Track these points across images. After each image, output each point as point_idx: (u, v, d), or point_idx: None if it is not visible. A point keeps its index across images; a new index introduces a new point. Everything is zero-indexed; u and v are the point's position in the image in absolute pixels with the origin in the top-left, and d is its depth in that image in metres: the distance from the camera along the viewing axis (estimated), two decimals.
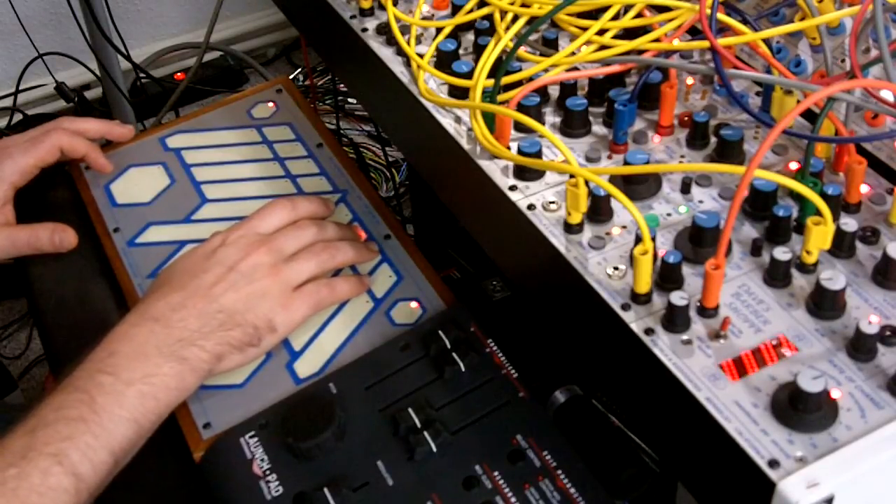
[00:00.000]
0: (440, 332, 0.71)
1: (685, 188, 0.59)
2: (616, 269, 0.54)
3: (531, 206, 0.59)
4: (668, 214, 0.57)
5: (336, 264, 0.78)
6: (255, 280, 0.73)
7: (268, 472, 0.66)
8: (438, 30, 0.72)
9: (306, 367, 0.74)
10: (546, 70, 0.65)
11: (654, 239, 0.52)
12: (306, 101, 0.98)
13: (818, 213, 0.50)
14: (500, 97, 0.63)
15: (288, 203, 0.80)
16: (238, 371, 0.74)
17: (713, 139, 0.62)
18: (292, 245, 0.76)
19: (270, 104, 0.98)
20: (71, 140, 0.89)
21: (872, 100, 0.56)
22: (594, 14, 0.67)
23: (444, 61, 0.68)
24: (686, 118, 0.63)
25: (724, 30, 0.62)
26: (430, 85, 0.69)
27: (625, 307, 0.52)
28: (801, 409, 0.46)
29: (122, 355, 0.67)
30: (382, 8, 0.75)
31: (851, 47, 0.57)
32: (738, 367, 0.49)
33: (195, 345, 0.69)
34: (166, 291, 0.72)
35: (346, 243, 0.79)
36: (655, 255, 0.52)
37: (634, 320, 0.51)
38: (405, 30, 0.72)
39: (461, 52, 0.70)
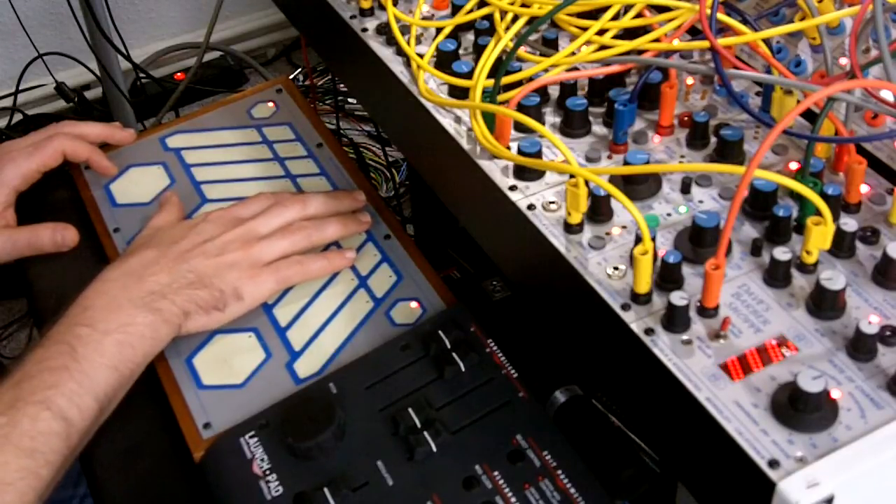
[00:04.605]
0: (440, 332, 0.71)
1: (685, 188, 0.59)
2: (616, 269, 0.54)
3: (531, 206, 0.59)
4: (668, 214, 0.57)
5: (313, 243, 0.80)
6: (226, 252, 0.76)
7: (268, 472, 0.66)
8: (438, 30, 0.72)
9: (306, 367, 0.74)
10: (546, 70, 0.65)
11: (654, 239, 0.52)
12: (306, 101, 0.98)
13: (818, 213, 0.50)
14: (500, 97, 0.63)
15: (271, 195, 0.83)
16: (238, 371, 0.74)
17: (713, 139, 0.62)
18: (267, 226, 0.79)
19: (270, 104, 0.98)
20: (73, 144, 0.89)
21: (872, 100, 0.56)
22: (594, 14, 0.67)
23: (444, 61, 0.68)
24: (686, 118, 0.63)
25: (724, 30, 0.62)
26: (430, 85, 0.69)
27: (625, 307, 0.52)
28: (801, 409, 0.46)
29: (97, 308, 0.70)
30: (382, 8, 0.75)
31: (851, 47, 0.57)
32: (738, 367, 0.49)
33: (166, 298, 0.72)
34: (142, 251, 0.76)
35: (330, 220, 0.81)
36: (655, 255, 0.52)
37: (634, 320, 0.51)
38: (405, 30, 0.72)
39: (461, 52, 0.70)
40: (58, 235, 0.85)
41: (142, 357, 0.70)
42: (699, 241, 0.54)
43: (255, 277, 0.76)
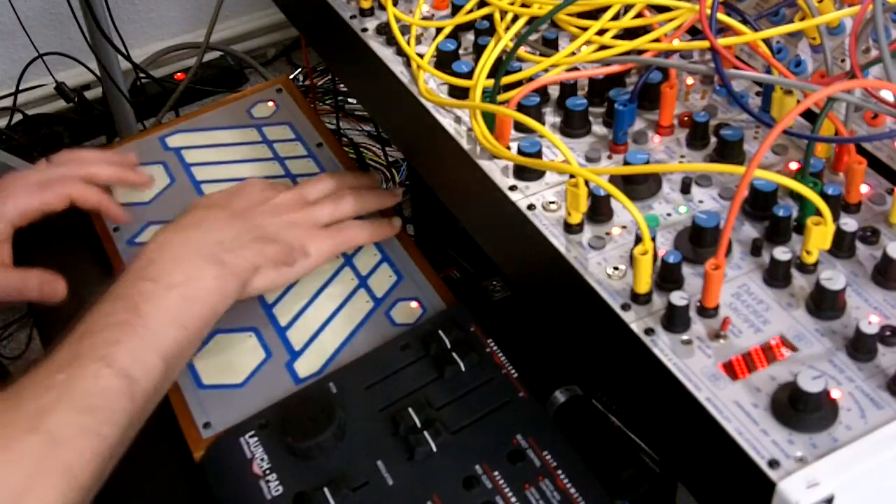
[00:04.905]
0: (440, 332, 0.71)
1: (685, 188, 0.59)
2: (616, 269, 0.54)
3: (531, 206, 0.59)
4: (668, 214, 0.57)
5: (357, 209, 0.80)
6: (282, 213, 0.76)
7: (268, 472, 0.66)
8: (438, 30, 0.72)
9: (306, 366, 0.74)
10: (546, 70, 0.65)
11: (654, 239, 0.52)
12: (306, 101, 0.98)
13: (818, 213, 0.50)
14: (500, 97, 0.63)
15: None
16: (238, 371, 0.74)
17: (713, 139, 0.62)
18: (313, 192, 0.80)
19: (270, 104, 0.98)
20: (83, 191, 0.84)
21: (872, 100, 0.56)
22: (594, 14, 0.67)
23: (444, 61, 0.68)
24: (686, 118, 0.63)
25: (724, 30, 0.62)
26: (430, 85, 0.69)
27: (625, 307, 0.52)
28: (801, 409, 0.46)
29: (161, 262, 0.68)
30: (382, 8, 0.75)
31: (851, 47, 0.57)
32: (739, 367, 0.49)
33: (233, 252, 0.71)
34: (198, 210, 0.74)
35: (367, 190, 0.82)
36: (655, 255, 0.52)
37: (634, 320, 0.51)
38: (405, 30, 0.72)
39: (461, 52, 0.70)
40: (46, 287, 0.79)
41: (209, 312, 0.68)
42: (699, 241, 0.54)
43: (315, 237, 0.76)
